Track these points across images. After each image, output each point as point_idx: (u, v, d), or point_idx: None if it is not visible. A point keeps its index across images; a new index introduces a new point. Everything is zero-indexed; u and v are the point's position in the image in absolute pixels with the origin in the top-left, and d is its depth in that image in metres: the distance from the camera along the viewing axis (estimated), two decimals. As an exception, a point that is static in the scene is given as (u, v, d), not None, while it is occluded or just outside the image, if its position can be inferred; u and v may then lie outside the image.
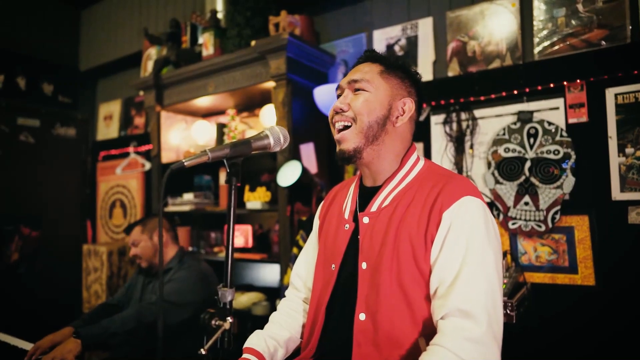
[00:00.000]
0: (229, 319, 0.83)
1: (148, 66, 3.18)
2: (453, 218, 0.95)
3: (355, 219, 1.11)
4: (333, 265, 1.11)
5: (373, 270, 1.01)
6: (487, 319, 0.87)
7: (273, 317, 1.25)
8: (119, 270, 3.36)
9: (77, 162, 4.01)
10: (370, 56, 1.15)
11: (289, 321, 1.23)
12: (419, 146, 2.27)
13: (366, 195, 1.12)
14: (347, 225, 1.12)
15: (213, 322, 0.83)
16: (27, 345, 1.74)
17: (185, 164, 0.84)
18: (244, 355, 1.10)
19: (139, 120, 3.76)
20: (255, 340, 1.14)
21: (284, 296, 1.33)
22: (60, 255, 3.74)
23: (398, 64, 1.13)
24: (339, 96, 1.14)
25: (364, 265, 1.04)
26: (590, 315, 1.82)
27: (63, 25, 4.06)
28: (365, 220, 1.07)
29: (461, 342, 0.85)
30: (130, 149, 3.63)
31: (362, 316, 1.00)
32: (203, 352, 0.79)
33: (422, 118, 2.26)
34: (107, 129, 4.02)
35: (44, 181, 3.72)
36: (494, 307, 0.90)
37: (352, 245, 1.09)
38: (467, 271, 0.91)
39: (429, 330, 0.96)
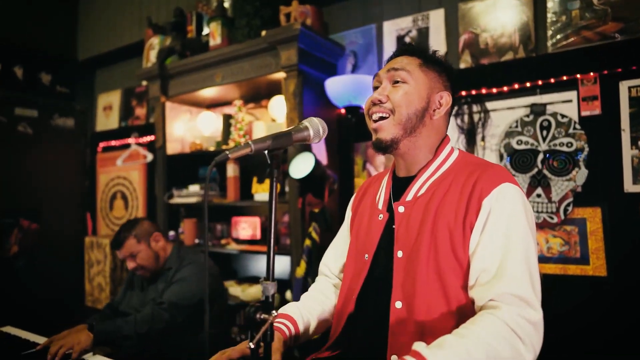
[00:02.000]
0: (274, 312, 0.83)
1: (151, 56, 3.13)
2: (493, 205, 0.95)
3: (390, 209, 1.12)
4: (366, 255, 1.11)
5: (409, 259, 1.02)
6: (539, 306, 0.88)
7: (304, 295, 1.26)
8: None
9: (76, 153, 3.95)
10: (407, 49, 1.15)
11: (321, 298, 1.24)
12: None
13: (400, 185, 1.13)
14: (381, 216, 1.12)
15: (258, 315, 0.82)
16: (40, 340, 1.73)
17: (230, 155, 0.82)
18: (278, 320, 1.10)
19: (140, 111, 3.71)
20: (289, 308, 1.16)
21: (308, 285, 1.34)
22: (60, 248, 3.70)
23: (435, 58, 1.14)
24: (375, 87, 1.14)
25: (399, 254, 1.04)
26: (602, 306, 1.85)
27: (61, 14, 3.98)
28: (401, 209, 1.08)
29: (516, 317, 0.85)
30: (132, 140, 3.58)
31: (398, 304, 1.01)
32: (252, 346, 0.78)
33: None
34: (107, 119, 3.96)
35: (43, 173, 3.67)
36: (538, 295, 0.91)
37: (386, 235, 1.10)
38: (512, 258, 0.91)
39: (464, 319, 0.96)
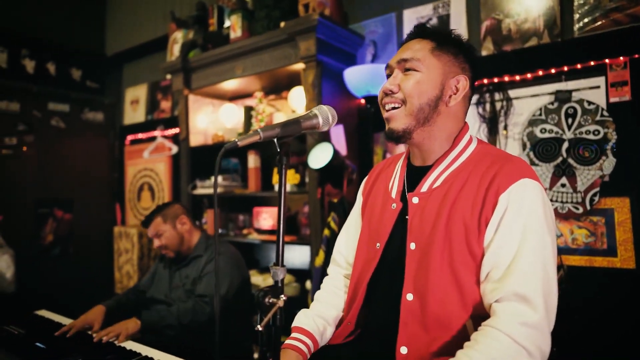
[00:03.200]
0: (283, 297, 0.84)
1: (174, 50, 3.19)
2: (510, 200, 0.93)
3: (403, 198, 1.10)
4: (378, 244, 1.10)
5: (423, 252, 1.00)
6: (544, 305, 0.86)
7: (318, 295, 1.26)
8: (149, 252, 3.44)
9: (105, 146, 4.09)
10: (420, 32, 1.10)
11: (334, 299, 1.23)
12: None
13: (415, 174, 1.10)
14: (395, 205, 1.11)
15: (267, 300, 0.84)
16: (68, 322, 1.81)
17: (239, 143, 0.84)
18: (293, 334, 1.12)
19: (165, 104, 3.79)
20: (304, 319, 1.15)
21: (326, 275, 1.34)
22: (92, 237, 3.86)
23: (450, 39, 1.08)
24: (388, 76, 1.11)
25: (412, 246, 1.02)
26: (631, 299, 1.79)
27: (90, 10, 4.10)
28: (415, 200, 1.06)
29: (517, 327, 0.85)
30: (157, 133, 3.68)
31: (409, 296, 1.00)
32: (260, 329, 0.80)
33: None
34: (134, 113, 4.07)
35: (75, 165, 3.82)
36: (549, 293, 0.89)
37: (399, 225, 1.08)
38: (525, 256, 0.89)
39: (477, 314, 0.95)
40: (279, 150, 0.89)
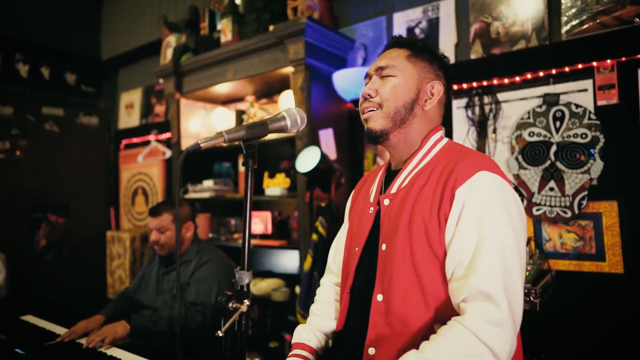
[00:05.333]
0: (246, 302, 0.83)
1: (167, 54, 3.20)
2: (467, 195, 0.92)
3: (380, 201, 1.12)
4: (357, 248, 1.12)
5: (388, 251, 1.01)
6: (507, 302, 0.85)
7: (314, 309, 1.26)
8: (142, 257, 3.43)
9: (100, 150, 4.08)
10: (396, 42, 1.15)
11: (330, 310, 1.24)
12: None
13: (390, 177, 1.13)
14: (372, 209, 1.13)
15: (230, 304, 0.83)
16: (61, 330, 1.80)
17: (201, 145, 0.83)
18: (295, 351, 1.12)
19: (160, 109, 3.80)
20: (305, 334, 1.17)
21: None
22: (86, 242, 3.84)
23: (425, 47, 1.13)
24: (367, 84, 1.14)
25: (383, 247, 1.03)
26: (619, 304, 1.77)
27: (85, 14, 4.12)
28: (386, 202, 1.07)
29: (481, 324, 0.84)
30: (151, 137, 3.68)
31: (379, 297, 1.00)
32: (220, 334, 0.79)
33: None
34: (129, 117, 4.07)
35: (69, 169, 3.81)
36: (511, 289, 0.87)
37: (375, 228, 1.09)
38: (484, 252, 0.88)
39: (441, 313, 0.94)
40: (244, 152, 0.88)
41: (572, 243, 1.89)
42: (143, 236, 3.43)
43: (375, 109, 1.08)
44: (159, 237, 2.01)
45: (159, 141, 3.65)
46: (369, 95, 1.09)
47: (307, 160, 2.10)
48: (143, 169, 3.83)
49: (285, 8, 2.42)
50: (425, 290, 0.94)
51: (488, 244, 0.89)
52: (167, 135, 3.58)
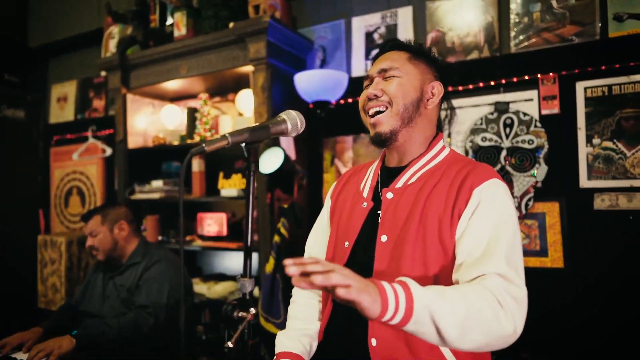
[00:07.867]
0: (252, 310, 0.81)
1: (110, 45, 3.00)
2: (483, 195, 0.98)
3: (375, 197, 1.13)
4: (346, 243, 1.11)
5: (395, 244, 1.02)
6: (524, 287, 0.90)
7: (294, 312, 1.24)
8: (79, 262, 3.18)
9: (27, 146, 3.73)
10: (395, 45, 1.17)
11: (312, 312, 1.22)
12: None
13: (390, 174, 1.14)
14: (365, 204, 1.13)
15: (235, 313, 0.80)
16: None
17: (206, 148, 0.80)
18: None
19: (99, 103, 3.54)
20: (288, 342, 1.13)
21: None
22: (12, 248, 3.48)
23: (423, 50, 1.17)
24: (367, 86, 1.15)
25: (383, 238, 1.04)
26: (560, 296, 1.94)
27: (7, -5, 3.73)
28: (389, 195, 1.09)
29: (502, 290, 0.86)
30: (89, 133, 3.42)
31: None
32: (230, 346, 0.76)
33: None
34: (61, 111, 3.75)
35: (-9, 167, 3.44)
36: (523, 278, 0.93)
37: (369, 222, 1.10)
38: (504, 243, 0.92)
39: None
40: (246, 155, 0.86)
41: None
42: (81, 240, 3.17)
43: (384, 108, 1.09)
44: (92, 242, 1.94)
45: (97, 137, 3.40)
46: (375, 95, 1.10)
47: (270, 161, 2.08)
48: (79, 167, 3.55)
49: (245, 5, 2.37)
50: (430, 283, 0.97)
51: (503, 240, 0.93)
52: (107, 131, 3.35)
